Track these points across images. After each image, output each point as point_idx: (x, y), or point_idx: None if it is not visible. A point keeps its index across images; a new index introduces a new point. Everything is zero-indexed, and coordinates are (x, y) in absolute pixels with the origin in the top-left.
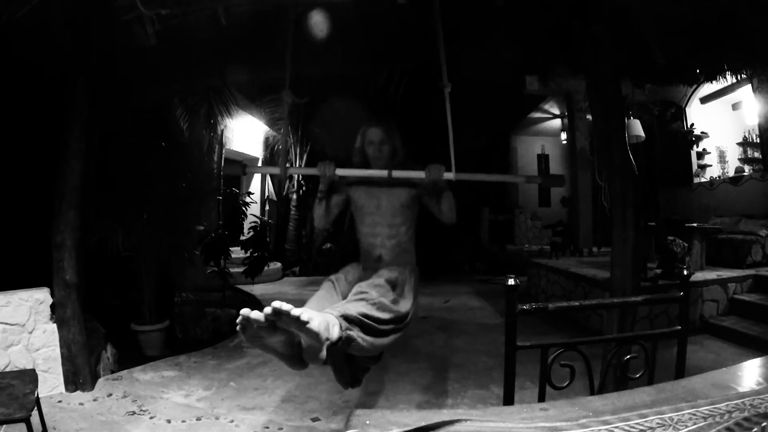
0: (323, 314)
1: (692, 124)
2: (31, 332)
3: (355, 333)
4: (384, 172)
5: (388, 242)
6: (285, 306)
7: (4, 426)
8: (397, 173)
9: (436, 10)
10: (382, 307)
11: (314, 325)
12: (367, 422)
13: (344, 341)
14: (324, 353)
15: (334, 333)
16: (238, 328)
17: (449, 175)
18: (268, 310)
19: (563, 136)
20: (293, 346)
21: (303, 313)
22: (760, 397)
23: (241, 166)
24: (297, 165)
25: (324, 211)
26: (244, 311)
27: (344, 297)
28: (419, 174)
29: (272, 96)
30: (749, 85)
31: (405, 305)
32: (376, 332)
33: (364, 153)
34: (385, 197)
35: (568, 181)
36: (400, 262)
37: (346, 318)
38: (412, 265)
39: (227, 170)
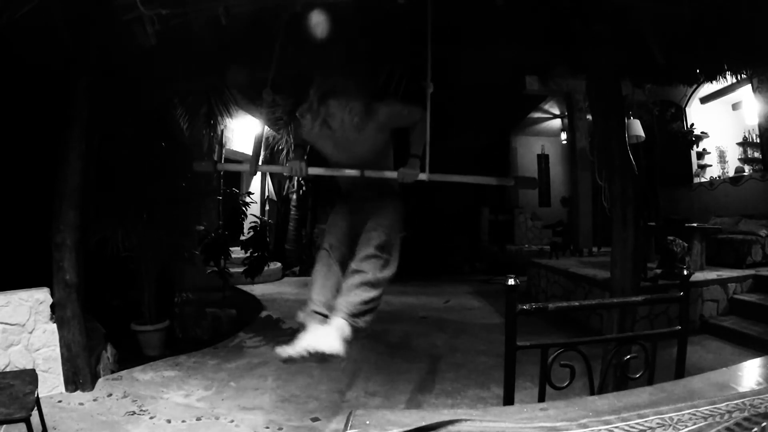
0: (336, 326)
1: (692, 124)
2: (31, 332)
3: (362, 320)
4: (356, 172)
5: (363, 173)
6: (319, 348)
7: (4, 426)
8: (369, 173)
9: (428, 10)
10: (377, 283)
11: (340, 349)
12: (367, 422)
13: (355, 329)
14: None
15: (347, 332)
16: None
17: (423, 176)
18: (302, 351)
19: (563, 136)
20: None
21: (329, 348)
22: (760, 397)
23: (212, 162)
24: (286, 164)
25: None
26: (281, 353)
27: (342, 260)
28: (392, 174)
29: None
30: (749, 85)
31: (392, 265)
32: (376, 303)
33: (321, 123)
34: (351, 147)
35: (568, 181)
36: (381, 188)
37: (353, 315)
38: (394, 189)
39: (198, 167)
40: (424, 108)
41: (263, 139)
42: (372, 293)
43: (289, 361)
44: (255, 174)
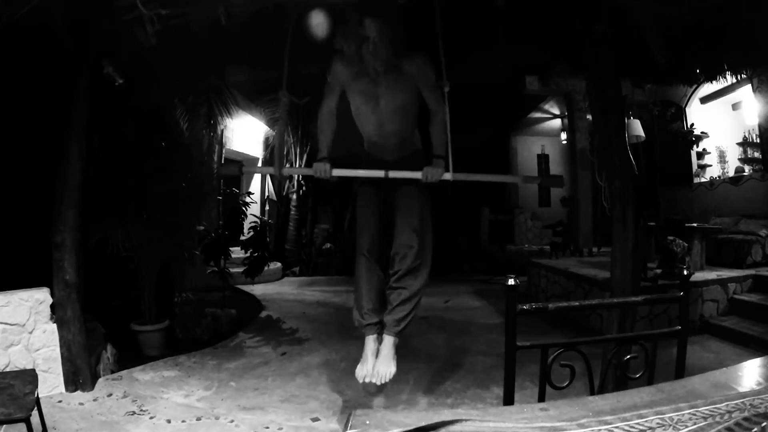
0: (389, 344)
1: (692, 124)
2: (31, 332)
3: (406, 326)
4: (381, 173)
5: (392, 140)
6: (383, 379)
7: (4, 426)
8: (393, 173)
9: (435, 11)
10: (417, 293)
11: (394, 369)
12: (367, 422)
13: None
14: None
15: (396, 342)
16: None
17: (446, 176)
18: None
19: (563, 136)
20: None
21: (389, 375)
22: (760, 397)
23: (238, 166)
24: (297, 165)
25: (328, 117)
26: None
27: (379, 259)
28: (416, 175)
29: (272, 96)
30: (749, 85)
31: (427, 267)
32: (417, 308)
33: (358, 54)
34: (382, 96)
35: (568, 181)
36: (409, 158)
37: (400, 330)
38: (421, 158)
39: (224, 170)
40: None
41: (285, 142)
42: (413, 303)
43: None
44: (281, 177)
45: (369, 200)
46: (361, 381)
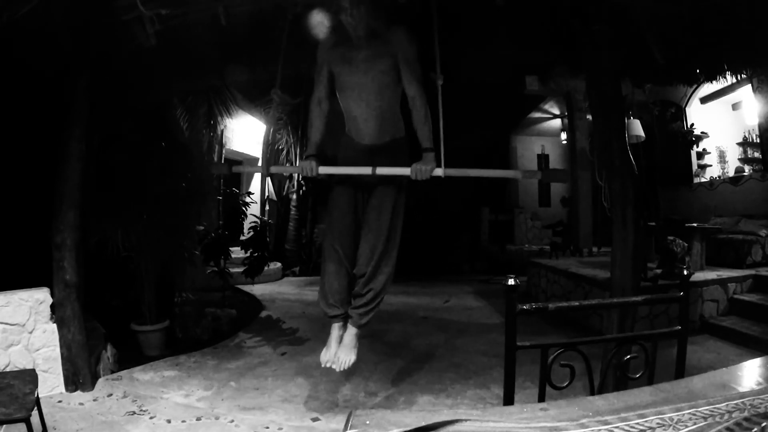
0: (351, 335)
1: (692, 124)
2: (31, 332)
3: (369, 320)
4: (368, 169)
5: (372, 122)
6: (342, 365)
7: (4, 426)
8: (381, 170)
9: (433, 8)
10: (382, 290)
11: (354, 357)
12: (367, 422)
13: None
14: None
15: (359, 335)
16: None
17: (439, 171)
18: (329, 364)
19: (563, 136)
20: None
21: (349, 362)
22: (760, 397)
23: (228, 165)
24: (297, 164)
25: (318, 108)
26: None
27: (347, 253)
28: (404, 171)
29: (270, 96)
30: (749, 85)
31: (392, 265)
32: (380, 302)
33: (340, 30)
34: (364, 76)
35: (568, 181)
36: (390, 146)
37: (363, 323)
38: (404, 148)
39: (214, 169)
40: (437, 102)
41: (275, 140)
42: (377, 300)
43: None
44: (268, 176)
45: (344, 193)
46: (323, 365)
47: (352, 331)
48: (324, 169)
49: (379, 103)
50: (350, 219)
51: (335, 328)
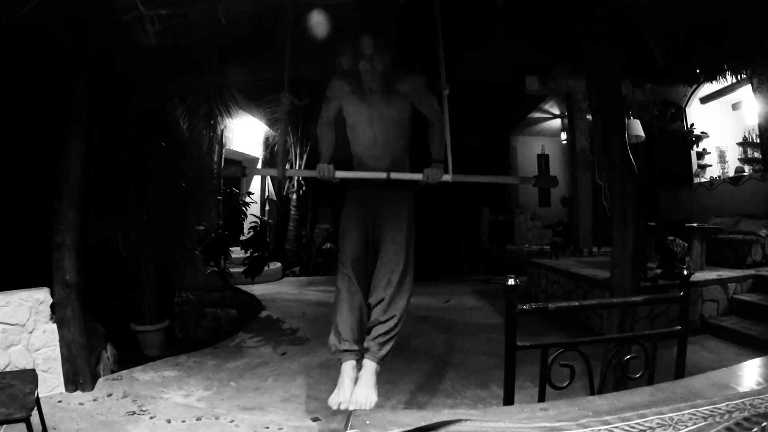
0: (370, 370)
1: (692, 124)
2: (31, 332)
3: (388, 351)
4: (382, 175)
5: (381, 162)
6: (361, 406)
7: (4, 426)
8: (395, 175)
9: (435, 12)
10: (399, 321)
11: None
12: (367, 422)
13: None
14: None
15: (378, 369)
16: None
17: (446, 177)
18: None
19: (563, 136)
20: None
21: (370, 403)
22: (760, 397)
23: (241, 167)
24: (297, 165)
25: (327, 127)
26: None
27: (360, 280)
28: (416, 176)
29: (272, 96)
30: (749, 85)
31: (408, 292)
32: (397, 332)
33: (355, 71)
34: (376, 116)
35: (568, 181)
36: (398, 186)
37: (382, 355)
38: (410, 189)
39: (226, 172)
40: (442, 111)
41: (286, 143)
42: (396, 329)
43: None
44: (284, 179)
45: (355, 216)
46: (335, 408)
47: (370, 366)
48: (341, 174)
49: (388, 147)
50: (362, 245)
51: (348, 368)
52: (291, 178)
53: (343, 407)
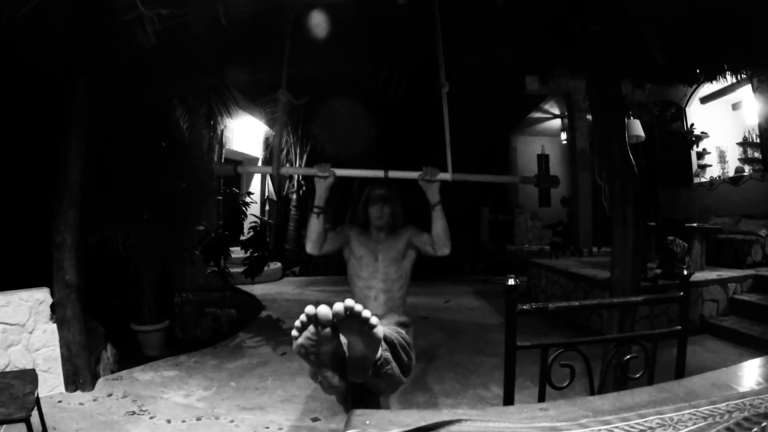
0: None
1: (692, 124)
2: (31, 332)
3: (389, 354)
4: (380, 173)
5: (382, 296)
6: (358, 306)
7: (4, 426)
8: (393, 174)
9: (434, 10)
10: (406, 344)
11: (380, 332)
12: (367, 422)
13: (382, 362)
14: (369, 371)
15: (378, 350)
16: (294, 332)
17: (446, 176)
18: (339, 307)
19: (563, 136)
20: (339, 359)
21: (373, 317)
22: (760, 397)
23: (233, 165)
24: (297, 165)
25: (321, 229)
26: (310, 308)
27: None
28: (414, 174)
29: (272, 96)
30: (749, 85)
31: (413, 354)
32: (401, 363)
33: (366, 214)
34: (381, 251)
35: (568, 181)
36: (394, 318)
37: (385, 338)
38: (407, 320)
39: (219, 170)
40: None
41: (282, 142)
42: (404, 344)
43: (307, 339)
44: (278, 177)
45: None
46: None
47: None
48: (339, 171)
49: (389, 283)
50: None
51: None
52: (291, 178)
53: None
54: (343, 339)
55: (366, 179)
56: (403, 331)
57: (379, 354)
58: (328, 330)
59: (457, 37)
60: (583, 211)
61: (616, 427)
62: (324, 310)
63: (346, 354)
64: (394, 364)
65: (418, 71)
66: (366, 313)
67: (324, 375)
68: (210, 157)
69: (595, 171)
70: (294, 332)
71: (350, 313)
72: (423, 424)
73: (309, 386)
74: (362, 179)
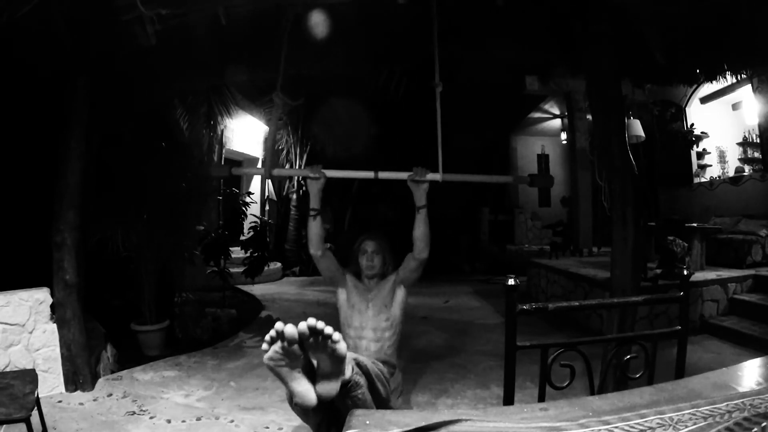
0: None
1: (692, 124)
2: (31, 332)
3: (363, 380)
4: (370, 174)
5: (372, 345)
6: (320, 324)
7: (4, 426)
8: (383, 174)
9: (432, 10)
10: (384, 379)
11: (343, 348)
12: (367, 422)
13: (352, 384)
14: (338, 386)
15: (348, 371)
16: (264, 345)
17: (435, 176)
18: (302, 326)
19: (563, 136)
20: (309, 374)
21: (335, 333)
22: (760, 397)
23: (228, 167)
24: (297, 165)
25: (320, 230)
26: (279, 325)
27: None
28: (403, 175)
29: (272, 96)
30: (749, 85)
31: (393, 398)
32: (376, 394)
33: (358, 263)
34: (372, 300)
35: (568, 181)
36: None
37: (358, 364)
38: (394, 363)
39: (214, 171)
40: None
41: (276, 143)
42: (379, 377)
43: (276, 352)
44: (269, 178)
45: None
46: None
47: None
48: (330, 173)
49: (380, 330)
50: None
51: None
52: (291, 178)
53: None
54: (313, 360)
55: (367, 181)
56: (383, 366)
57: (348, 375)
58: (295, 346)
59: (457, 37)
60: (583, 211)
61: (616, 427)
62: (290, 329)
63: (318, 370)
64: (365, 390)
65: (417, 71)
66: (328, 330)
67: (293, 390)
68: (210, 157)
69: (595, 171)
70: (264, 345)
71: (313, 331)
72: (423, 424)
73: None
74: (362, 180)
